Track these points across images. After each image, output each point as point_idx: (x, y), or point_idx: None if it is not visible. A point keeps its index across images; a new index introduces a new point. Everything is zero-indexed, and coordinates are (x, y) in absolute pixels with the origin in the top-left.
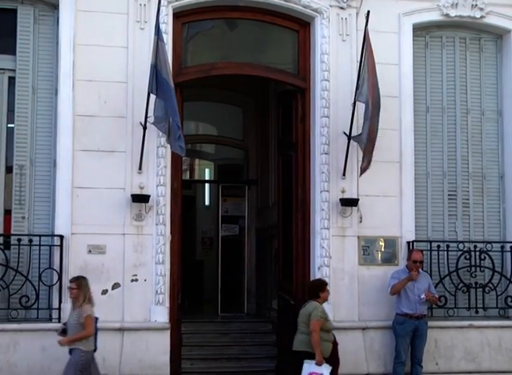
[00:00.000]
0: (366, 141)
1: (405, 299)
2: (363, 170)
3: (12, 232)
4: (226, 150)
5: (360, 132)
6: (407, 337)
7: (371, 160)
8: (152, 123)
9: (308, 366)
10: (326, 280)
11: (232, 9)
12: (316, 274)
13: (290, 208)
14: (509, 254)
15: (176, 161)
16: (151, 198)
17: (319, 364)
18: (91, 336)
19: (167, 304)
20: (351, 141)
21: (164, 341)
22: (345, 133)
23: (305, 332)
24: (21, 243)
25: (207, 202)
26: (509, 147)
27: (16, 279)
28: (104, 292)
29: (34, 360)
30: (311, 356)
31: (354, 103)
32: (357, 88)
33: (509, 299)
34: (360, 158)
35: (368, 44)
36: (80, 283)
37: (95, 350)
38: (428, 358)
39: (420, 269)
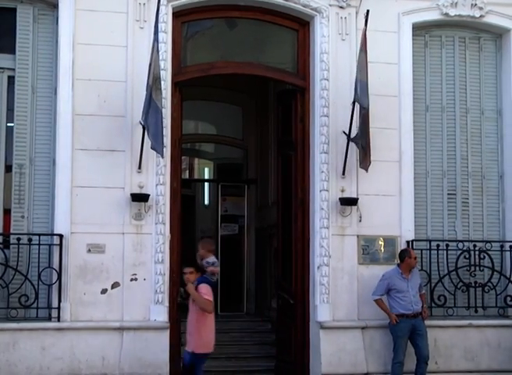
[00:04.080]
0: (365, 140)
1: (399, 300)
2: (368, 167)
3: (12, 231)
4: (226, 149)
5: (357, 132)
6: (405, 337)
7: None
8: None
9: None
10: (325, 279)
11: (232, 8)
12: (315, 273)
13: (290, 207)
14: (508, 253)
15: (175, 160)
16: (150, 198)
17: None
18: None
19: (166, 303)
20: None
21: (163, 339)
22: (344, 132)
23: None
24: (20, 242)
25: (206, 201)
26: (508, 146)
27: (16, 278)
28: (104, 291)
29: (34, 359)
30: None
31: (354, 102)
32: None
33: (508, 298)
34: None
35: (364, 44)
36: None
37: None
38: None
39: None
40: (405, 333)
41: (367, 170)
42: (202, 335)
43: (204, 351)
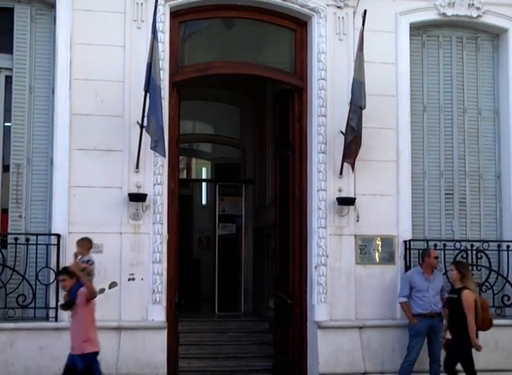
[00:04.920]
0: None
1: (418, 299)
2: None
3: (9, 231)
4: (223, 149)
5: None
6: (422, 337)
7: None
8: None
9: None
10: (323, 279)
11: (230, 8)
12: (313, 273)
13: (287, 207)
14: (505, 253)
15: (172, 160)
16: (148, 197)
17: None
18: None
19: (164, 303)
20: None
21: (161, 339)
22: (342, 132)
23: None
24: (18, 242)
25: (204, 201)
26: (505, 146)
27: (13, 278)
28: (101, 291)
29: (31, 359)
30: None
31: (351, 103)
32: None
33: (505, 298)
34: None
35: (361, 44)
36: None
37: None
38: (426, 357)
39: (435, 269)
40: (422, 333)
41: (353, 167)
42: (89, 334)
43: (95, 350)
